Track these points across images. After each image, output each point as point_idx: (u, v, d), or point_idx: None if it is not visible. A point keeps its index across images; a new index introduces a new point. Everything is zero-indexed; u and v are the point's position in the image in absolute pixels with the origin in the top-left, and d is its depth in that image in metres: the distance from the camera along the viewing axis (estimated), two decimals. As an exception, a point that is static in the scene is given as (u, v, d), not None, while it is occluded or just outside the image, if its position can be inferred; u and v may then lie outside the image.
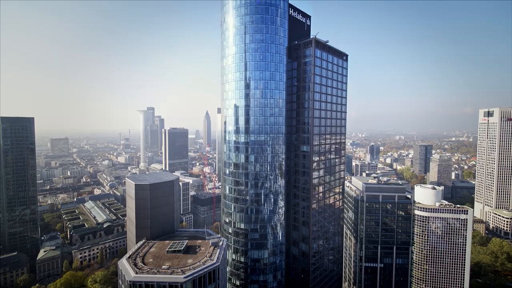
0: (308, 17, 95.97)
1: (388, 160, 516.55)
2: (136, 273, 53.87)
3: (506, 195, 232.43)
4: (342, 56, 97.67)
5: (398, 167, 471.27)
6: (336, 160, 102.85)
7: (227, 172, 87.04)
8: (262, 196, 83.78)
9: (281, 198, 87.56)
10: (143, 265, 57.72)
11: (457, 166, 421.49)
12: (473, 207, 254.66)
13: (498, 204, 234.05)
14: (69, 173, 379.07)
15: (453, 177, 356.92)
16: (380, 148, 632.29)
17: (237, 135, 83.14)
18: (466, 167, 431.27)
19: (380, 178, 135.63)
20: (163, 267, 57.34)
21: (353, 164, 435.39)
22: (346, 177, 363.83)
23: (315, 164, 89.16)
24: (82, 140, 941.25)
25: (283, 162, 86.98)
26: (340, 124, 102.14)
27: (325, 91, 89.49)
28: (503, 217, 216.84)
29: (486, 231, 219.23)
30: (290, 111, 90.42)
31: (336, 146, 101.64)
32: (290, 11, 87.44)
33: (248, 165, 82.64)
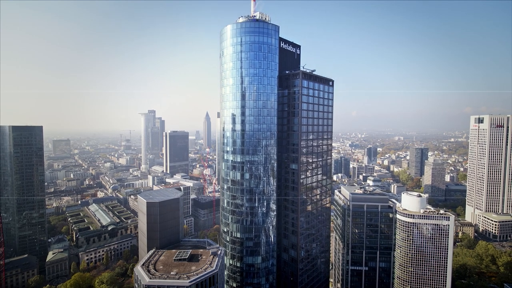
0: (298, 47, 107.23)
1: (386, 162, 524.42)
2: (150, 278, 65.69)
3: (496, 199, 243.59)
4: (328, 82, 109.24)
5: (395, 169, 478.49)
6: (323, 174, 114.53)
7: (225, 187, 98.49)
8: (256, 209, 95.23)
9: (272, 210, 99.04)
10: (155, 271, 69.51)
11: (453, 169, 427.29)
12: (465, 210, 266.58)
13: (488, 208, 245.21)
14: (72, 176, 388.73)
15: (448, 179, 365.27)
16: (379, 149, 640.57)
17: (234, 155, 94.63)
18: (462, 169, 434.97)
19: (366, 188, 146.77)
20: (171, 273, 69.14)
21: (351, 166, 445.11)
22: (344, 180, 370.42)
23: (303, 179, 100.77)
24: (83, 141, 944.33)
25: (275, 179, 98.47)
26: (327, 143, 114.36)
27: (311, 115, 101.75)
28: (492, 220, 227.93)
29: (475, 234, 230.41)
30: (281, 132, 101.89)
31: (323, 161, 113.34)
32: (281, 43, 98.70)
33: (243, 182, 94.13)
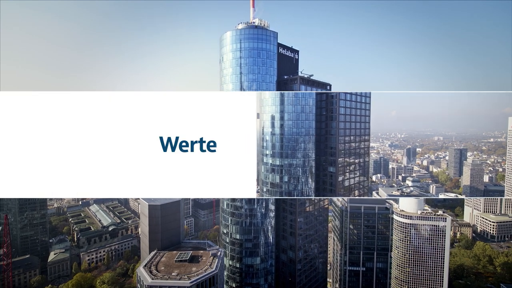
0: (296, 51, 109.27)
1: (425, 163, 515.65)
2: (152, 279, 68.58)
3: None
4: (325, 86, 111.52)
5: (434, 170, 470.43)
6: (361, 175, 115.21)
7: (264, 189, 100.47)
8: (255, 210, 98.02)
9: (271, 211, 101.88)
10: (157, 272, 72.53)
11: (492, 169, 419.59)
12: (463, 211, 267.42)
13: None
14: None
15: (486, 180, 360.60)
16: (418, 149, 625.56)
17: (273, 158, 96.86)
18: (501, 170, 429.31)
19: (404, 189, 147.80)
20: (172, 274, 72.14)
21: (390, 166, 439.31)
22: (383, 181, 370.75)
23: (340, 181, 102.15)
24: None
25: (313, 181, 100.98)
26: (365, 145, 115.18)
27: (349, 119, 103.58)
28: (490, 221, 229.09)
29: (473, 234, 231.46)
30: (319, 136, 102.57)
31: (360, 163, 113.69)
32: (280, 49, 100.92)
33: (282, 184, 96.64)
